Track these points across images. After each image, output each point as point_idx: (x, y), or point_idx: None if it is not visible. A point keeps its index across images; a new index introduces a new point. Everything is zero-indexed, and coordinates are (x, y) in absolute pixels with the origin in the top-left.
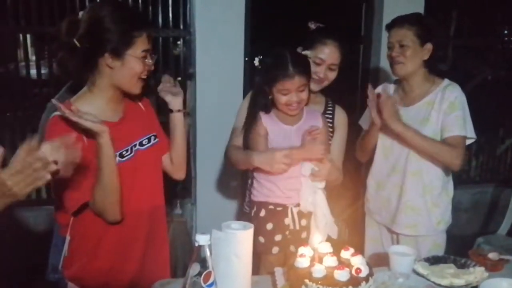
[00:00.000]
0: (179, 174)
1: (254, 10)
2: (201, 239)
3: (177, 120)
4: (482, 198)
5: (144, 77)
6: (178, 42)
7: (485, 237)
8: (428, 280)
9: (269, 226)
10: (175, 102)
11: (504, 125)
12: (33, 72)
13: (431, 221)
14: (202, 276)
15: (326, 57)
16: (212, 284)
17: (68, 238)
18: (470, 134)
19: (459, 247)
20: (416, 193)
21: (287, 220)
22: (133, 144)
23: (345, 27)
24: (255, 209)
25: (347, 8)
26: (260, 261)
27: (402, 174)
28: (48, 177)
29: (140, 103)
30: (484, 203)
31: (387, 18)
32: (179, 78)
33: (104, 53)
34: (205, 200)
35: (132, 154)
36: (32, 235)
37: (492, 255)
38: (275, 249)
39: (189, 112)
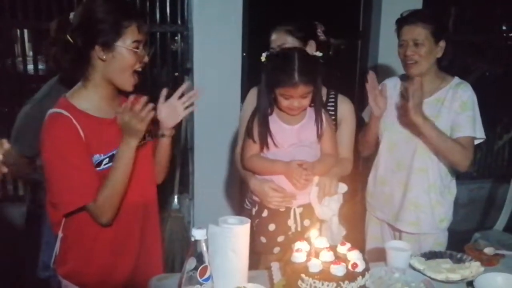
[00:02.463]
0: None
1: (252, 5)
2: (197, 234)
3: (165, 144)
4: (479, 194)
5: (139, 69)
6: (176, 38)
7: (482, 233)
8: (424, 275)
9: (272, 227)
10: (168, 123)
11: (502, 121)
12: (30, 67)
13: (434, 219)
14: (198, 270)
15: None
16: (208, 278)
17: (60, 235)
18: (479, 135)
19: (456, 242)
20: (421, 190)
21: (290, 222)
22: None
23: (343, 22)
24: (256, 208)
25: (345, 3)
26: (259, 260)
27: (407, 170)
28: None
29: None
30: (481, 198)
31: (385, 14)
32: (176, 74)
33: (95, 46)
34: (202, 195)
35: None
36: (18, 230)
37: (488, 250)
38: (276, 249)
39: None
